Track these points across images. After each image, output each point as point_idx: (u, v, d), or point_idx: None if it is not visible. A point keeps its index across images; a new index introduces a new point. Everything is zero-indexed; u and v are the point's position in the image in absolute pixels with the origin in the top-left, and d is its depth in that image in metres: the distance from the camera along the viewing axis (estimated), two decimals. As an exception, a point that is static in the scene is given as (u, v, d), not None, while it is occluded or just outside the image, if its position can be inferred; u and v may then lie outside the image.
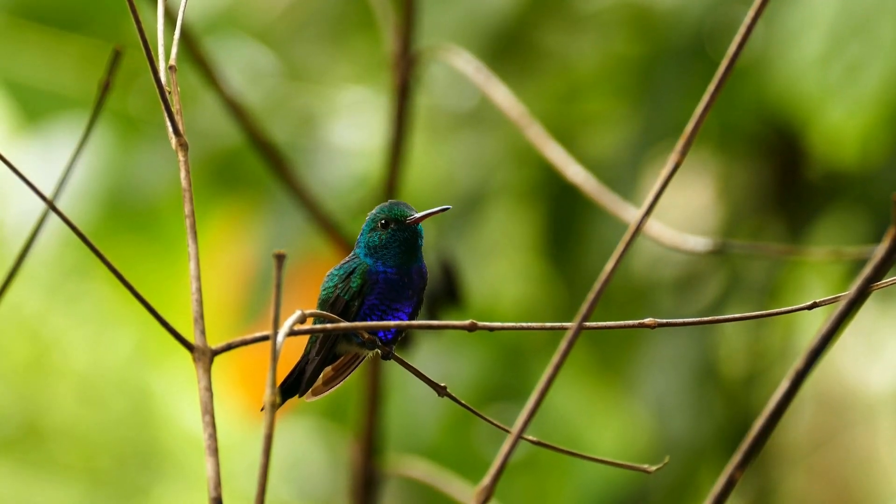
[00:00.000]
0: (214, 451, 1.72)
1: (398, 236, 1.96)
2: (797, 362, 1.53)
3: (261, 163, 3.24)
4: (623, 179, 3.89)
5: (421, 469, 3.18)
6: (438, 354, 4.06)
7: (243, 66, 4.31)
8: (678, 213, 4.18)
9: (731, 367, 4.04)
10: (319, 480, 4.46)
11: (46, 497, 5.27)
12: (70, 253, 4.43)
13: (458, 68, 2.90)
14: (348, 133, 4.29)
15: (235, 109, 3.09)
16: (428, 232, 2.00)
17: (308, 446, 4.49)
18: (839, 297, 1.64)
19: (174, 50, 1.91)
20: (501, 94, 2.81)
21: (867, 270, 1.50)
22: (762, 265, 3.96)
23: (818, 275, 3.99)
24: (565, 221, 4.05)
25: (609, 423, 4.20)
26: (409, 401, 4.07)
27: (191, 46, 3.06)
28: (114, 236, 4.27)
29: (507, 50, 4.17)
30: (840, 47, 3.48)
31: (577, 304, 1.52)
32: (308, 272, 4.14)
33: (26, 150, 4.25)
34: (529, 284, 4.20)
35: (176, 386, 5.37)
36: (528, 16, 4.17)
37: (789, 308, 1.78)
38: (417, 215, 1.96)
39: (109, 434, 5.36)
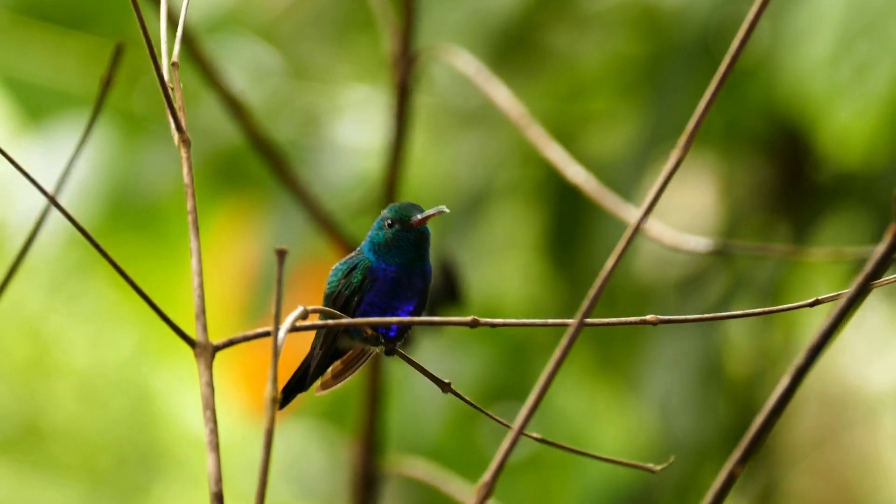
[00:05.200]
0: (215, 447, 1.72)
1: (403, 236, 1.96)
2: (798, 359, 1.53)
3: (261, 162, 3.24)
4: (628, 179, 3.88)
5: (421, 468, 3.18)
6: (442, 353, 4.06)
7: (247, 65, 4.31)
8: (681, 213, 4.18)
9: (735, 366, 4.04)
10: (319, 480, 4.46)
11: (46, 497, 5.27)
12: (71, 251, 4.42)
13: (458, 68, 2.90)
14: (351, 131, 4.29)
15: (235, 108, 3.09)
16: (430, 232, 2.00)
17: (308, 446, 4.49)
18: (840, 294, 1.64)
19: (176, 47, 1.91)
20: (501, 94, 2.80)
21: (868, 267, 1.50)
22: (766, 266, 3.96)
23: (822, 275, 3.98)
24: (569, 221, 4.05)
25: (613, 421, 4.19)
26: (412, 400, 4.07)
27: (192, 45, 3.06)
28: (117, 234, 4.27)
29: (513, 49, 4.17)
30: (848, 47, 3.48)
31: (580, 305, 1.52)
32: (311, 271, 4.14)
33: (30, 148, 4.25)
34: (533, 284, 4.19)
35: (177, 385, 5.37)
36: (534, 15, 4.17)
37: (792, 305, 1.78)
38: (419, 216, 1.96)
39: (109, 434, 5.35)
